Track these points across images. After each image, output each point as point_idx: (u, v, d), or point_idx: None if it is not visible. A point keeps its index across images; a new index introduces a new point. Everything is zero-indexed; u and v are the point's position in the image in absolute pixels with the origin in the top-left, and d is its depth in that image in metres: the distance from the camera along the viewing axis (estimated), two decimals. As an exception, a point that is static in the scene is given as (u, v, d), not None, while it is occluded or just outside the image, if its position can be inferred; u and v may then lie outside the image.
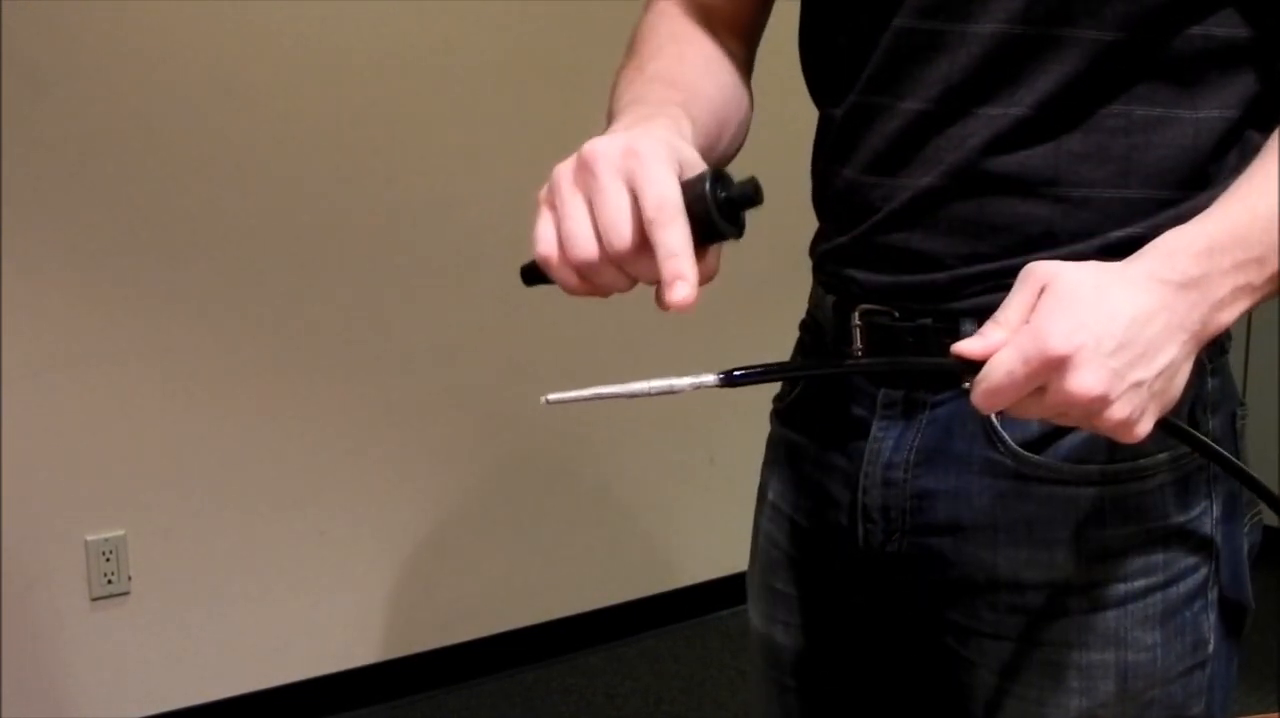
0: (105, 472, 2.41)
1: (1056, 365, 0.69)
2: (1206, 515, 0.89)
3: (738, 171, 1.00)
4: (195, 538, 2.50)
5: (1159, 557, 0.87)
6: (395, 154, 2.62)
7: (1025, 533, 0.88)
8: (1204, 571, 0.89)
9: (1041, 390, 0.71)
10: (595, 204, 0.70)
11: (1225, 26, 0.83)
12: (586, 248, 0.70)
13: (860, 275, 0.92)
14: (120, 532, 2.43)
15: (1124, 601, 0.88)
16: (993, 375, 0.71)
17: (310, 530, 2.63)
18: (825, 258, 0.97)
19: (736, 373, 0.73)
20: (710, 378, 0.72)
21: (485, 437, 2.83)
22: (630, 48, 0.96)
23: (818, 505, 0.98)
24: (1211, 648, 0.90)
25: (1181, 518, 0.88)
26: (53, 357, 2.33)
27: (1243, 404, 0.94)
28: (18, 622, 2.35)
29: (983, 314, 0.84)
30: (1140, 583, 0.87)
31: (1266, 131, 0.85)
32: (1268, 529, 0.94)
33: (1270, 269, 0.75)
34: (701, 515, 3.09)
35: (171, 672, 2.51)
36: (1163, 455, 0.87)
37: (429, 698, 2.77)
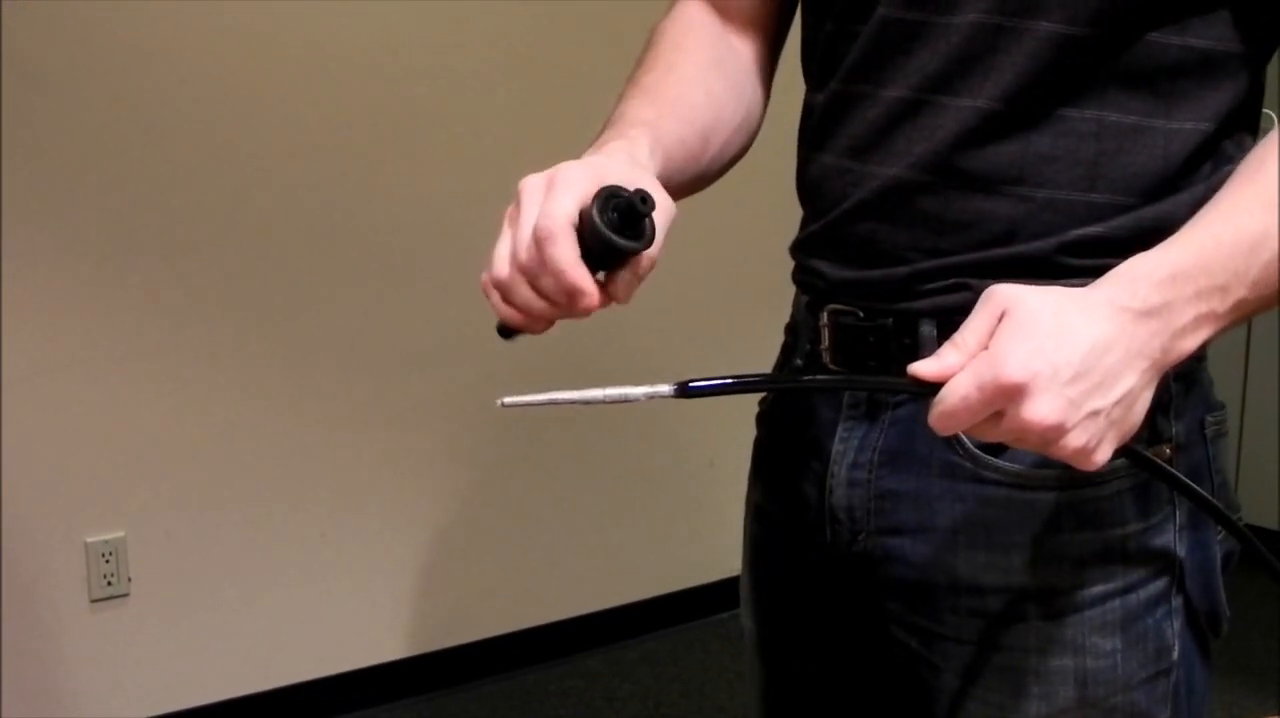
0: (105, 474, 2.41)
1: (1012, 393, 0.69)
2: (1169, 523, 0.88)
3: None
4: (195, 540, 2.50)
5: (1117, 563, 0.87)
6: (397, 156, 2.62)
7: (984, 536, 0.88)
8: (1166, 578, 0.88)
9: (999, 416, 0.71)
10: (514, 230, 0.77)
11: (1203, 38, 0.82)
12: (501, 267, 0.78)
13: (827, 269, 0.94)
14: (120, 533, 2.43)
15: (1081, 607, 0.87)
16: (948, 400, 0.71)
17: (310, 533, 2.63)
18: (799, 248, 0.99)
19: (691, 384, 0.74)
20: (666, 388, 0.73)
21: (485, 439, 2.83)
22: (641, 53, 0.98)
23: (793, 505, 0.99)
24: (1176, 655, 0.89)
25: (1140, 525, 0.87)
26: (52, 358, 2.34)
27: (1220, 409, 0.93)
28: (18, 623, 2.36)
29: (940, 315, 0.86)
30: (1098, 589, 0.87)
31: (1240, 145, 0.86)
32: (1264, 534, 0.94)
33: (1234, 297, 0.74)
34: (701, 519, 3.09)
35: (171, 674, 2.51)
36: (1121, 461, 0.85)
37: (429, 700, 2.77)
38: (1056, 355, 0.69)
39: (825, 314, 0.94)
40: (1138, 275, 0.74)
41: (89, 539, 2.41)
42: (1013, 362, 0.69)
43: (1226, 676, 2.48)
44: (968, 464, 0.88)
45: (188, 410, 2.47)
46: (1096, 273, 0.76)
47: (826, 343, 0.94)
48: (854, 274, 0.91)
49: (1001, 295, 0.73)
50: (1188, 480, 0.83)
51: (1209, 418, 0.91)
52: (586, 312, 0.76)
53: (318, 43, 2.51)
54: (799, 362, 0.99)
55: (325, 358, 2.61)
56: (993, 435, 0.72)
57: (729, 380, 0.76)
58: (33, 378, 2.32)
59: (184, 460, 2.47)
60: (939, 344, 0.87)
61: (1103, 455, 0.72)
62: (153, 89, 2.36)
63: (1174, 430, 0.88)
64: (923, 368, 0.73)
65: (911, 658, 0.94)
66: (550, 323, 0.79)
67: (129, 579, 2.44)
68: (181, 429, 2.47)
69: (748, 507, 1.08)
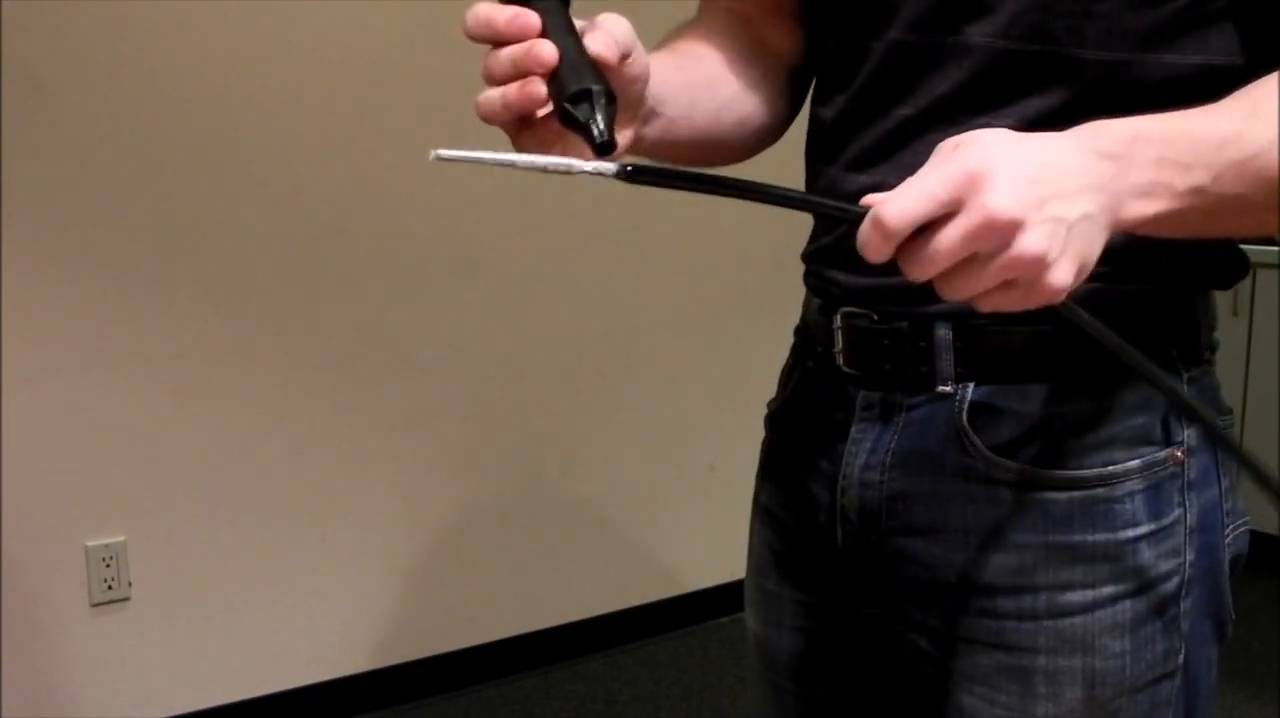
0: (105, 478, 2.41)
1: (973, 181, 0.66)
2: (1180, 525, 0.88)
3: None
4: (195, 544, 2.50)
5: (1128, 564, 0.87)
6: (398, 162, 2.62)
7: (996, 537, 0.89)
8: (1176, 580, 0.88)
9: (953, 222, 0.67)
10: None
11: (1209, 53, 0.83)
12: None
13: (841, 277, 0.94)
14: (120, 538, 2.43)
15: (1092, 607, 0.87)
16: (908, 189, 0.67)
17: (311, 537, 2.63)
18: (811, 258, 1.00)
19: (637, 167, 0.70)
20: (610, 166, 0.69)
21: (486, 443, 2.83)
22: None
23: (802, 507, 1.00)
24: (1183, 658, 0.89)
25: (1152, 526, 0.88)
26: (53, 363, 2.34)
27: (1228, 413, 0.94)
28: (18, 627, 2.36)
29: (956, 318, 0.87)
30: (1109, 590, 0.87)
31: None
32: (1266, 538, 0.94)
33: (1194, 179, 0.73)
34: (702, 522, 3.09)
35: (171, 678, 2.51)
36: (1134, 463, 0.87)
37: (429, 704, 2.77)
38: (1016, 161, 0.67)
39: (839, 317, 0.94)
40: (1103, 129, 0.73)
41: (89, 543, 2.41)
42: (973, 159, 0.67)
43: (1227, 680, 2.47)
44: (979, 465, 0.88)
45: (188, 415, 2.47)
46: (1109, 280, 0.76)
47: (840, 345, 0.94)
48: (868, 282, 0.91)
49: (956, 137, 0.70)
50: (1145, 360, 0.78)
51: (1218, 421, 0.91)
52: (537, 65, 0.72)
53: (319, 48, 2.51)
54: (810, 364, 1.00)
55: (326, 363, 2.61)
56: (945, 245, 0.67)
57: (675, 170, 0.72)
58: (34, 382, 2.32)
59: (185, 465, 2.48)
60: (954, 347, 0.88)
61: (1062, 274, 0.68)
62: (154, 94, 2.37)
63: (1185, 434, 0.88)
64: (879, 197, 0.69)
65: (920, 658, 0.94)
66: (511, 107, 0.75)
67: (129, 583, 2.44)
68: (182, 434, 2.47)
69: (755, 508, 1.08)
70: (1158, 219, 0.73)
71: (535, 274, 2.83)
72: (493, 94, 0.75)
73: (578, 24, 0.76)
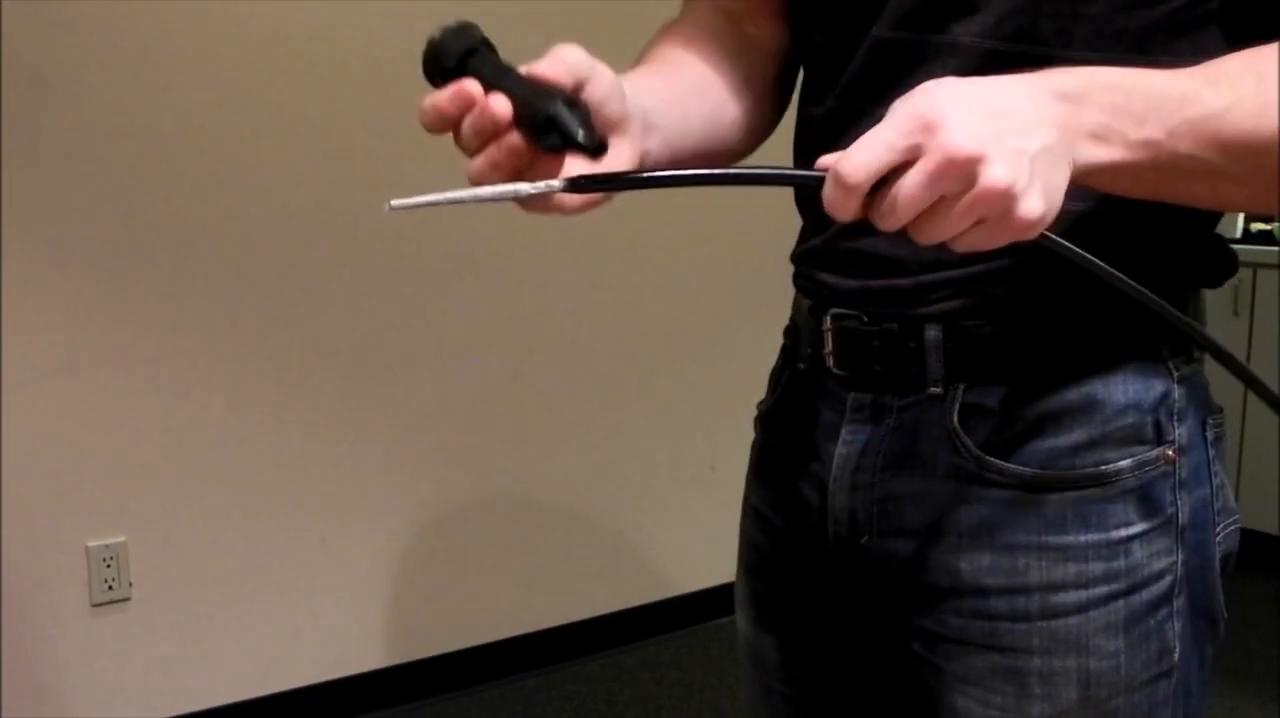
0: (106, 478, 2.41)
1: (928, 127, 0.66)
2: (1171, 524, 0.88)
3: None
4: (196, 545, 2.51)
5: (1120, 564, 0.87)
6: (394, 162, 2.62)
7: (988, 538, 0.89)
8: (1169, 578, 0.88)
9: (918, 172, 0.67)
10: None
11: (1201, 56, 0.82)
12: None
13: (830, 279, 0.94)
14: (121, 538, 2.43)
15: (1085, 608, 0.88)
16: (863, 142, 0.67)
17: (311, 538, 2.63)
18: (800, 260, 1.00)
19: (582, 179, 0.72)
20: (556, 183, 0.72)
21: (486, 444, 2.83)
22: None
23: (792, 508, 1.00)
24: (1178, 657, 0.89)
25: (1144, 525, 0.88)
26: (54, 363, 2.34)
27: (1219, 413, 0.94)
28: (18, 628, 2.36)
29: (947, 319, 0.87)
30: (1102, 590, 0.87)
31: None
32: (1264, 538, 0.94)
33: (1148, 132, 0.72)
34: (702, 523, 3.09)
35: (172, 678, 2.51)
36: (1125, 463, 0.87)
37: (430, 704, 2.77)
38: (969, 97, 0.68)
39: (829, 319, 0.94)
40: (1061, 71, 0.73)
41: (90, 544, 2.41)
42: (924, 103, 0.67)
43: (1226, 679, 2.47)
44: (970, 466, 0.89)
45: (188, 415, 2.47)
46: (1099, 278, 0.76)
47: (830, 347, 0.94)
48: (858, 284, 0.92)
49: (908, 94, 0.70)
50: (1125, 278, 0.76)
51: (1209, 420, 0.92)
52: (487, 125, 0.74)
53: (320, 49, 2.51)
54: (800, 365, 1.00)
55: (325, 364, 2.61)
56: (910, 185, 0.67)
57: (622, 176, 0.73)
58: (34, 382, 2.32)
59: (185, 465, 2.48)
60: (944, 348, 0.88)
61: (1032, 205, 0.67)
62: (155, 95, 2.37)
63: (1176, 433, 0.88)
64: (832, 157, 0.69)
65: (913, 661, 0.94)
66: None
67: (130, 584, 2.45)
68: (182, 434, 2.47)
69: (745, 509, 1.08)
70: (1113, 168, 0.73)
71: (534, 275, 2.83)
72: (481, 164, 0.75)
73: (533, 64, 0.77)
